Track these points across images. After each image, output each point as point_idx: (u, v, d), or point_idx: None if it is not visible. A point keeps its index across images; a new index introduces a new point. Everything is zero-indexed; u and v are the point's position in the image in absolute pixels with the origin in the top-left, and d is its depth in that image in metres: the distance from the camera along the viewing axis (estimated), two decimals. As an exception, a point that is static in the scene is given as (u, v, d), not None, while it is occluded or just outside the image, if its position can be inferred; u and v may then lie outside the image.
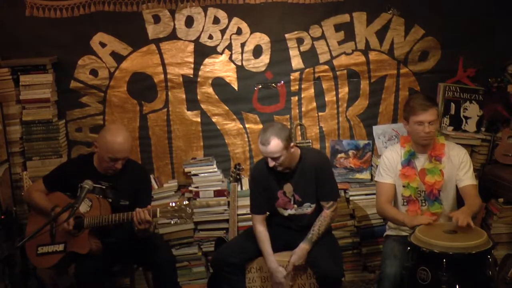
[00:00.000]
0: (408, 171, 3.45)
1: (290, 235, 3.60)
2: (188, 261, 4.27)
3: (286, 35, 4.29)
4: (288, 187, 3.51)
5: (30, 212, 3.69)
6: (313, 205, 3.53)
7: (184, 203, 3.33)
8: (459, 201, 3.48)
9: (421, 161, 3.47)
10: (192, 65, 4.33)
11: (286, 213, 3.57)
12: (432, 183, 3.40)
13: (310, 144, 4.39)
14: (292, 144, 3.40)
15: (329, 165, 3.68)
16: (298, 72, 4.36)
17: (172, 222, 3.39)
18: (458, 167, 3.43)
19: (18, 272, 3.93)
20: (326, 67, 4.35)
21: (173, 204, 3.32)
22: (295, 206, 3.53)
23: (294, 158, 3.46)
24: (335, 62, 4.34)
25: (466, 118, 4.27)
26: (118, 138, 3.42)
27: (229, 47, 4.31)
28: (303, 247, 3.42)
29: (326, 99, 4.41)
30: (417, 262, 3.05)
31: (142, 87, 4.35)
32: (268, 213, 3.65)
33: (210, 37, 4.29)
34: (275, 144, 3.30)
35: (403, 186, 3.47)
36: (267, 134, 3.32)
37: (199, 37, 4.29)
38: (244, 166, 4.39)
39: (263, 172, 3.51)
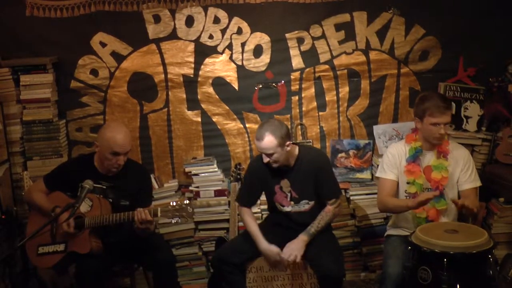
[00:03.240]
0: (414, 167, 3.45)
1: (289, 234, 3.59)
2: (189, 261, 4.27)
3: (287, 35, 4.29)
4: (285, 183, 3.51)
5: (31, 212, 3.69)
6: (311, 203, 3.52)
7: (185, 202, 3.33)
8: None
9: (426, 158, 3.48)
10: (193, 65, 4.33)
11: (284, 209, 3.57)
12: (438, 179, 3.41)
13: (311, 143, 4.38)
14: (288, 142, 3.40)
15: (329, 164, 3.69)
16: (299, 72, 4.36)
17: (173, 221, 3.39)
18: (462, 168, 3.43)
19: (18, 272, 3.93)
20: (327, 66, 4.35)
21: (174, 204, 3.33)
22: (292, 203, 3.54)
23: (291, 156, 3.46)
24: (336, 62, 4.34)
25: (467, 117, 4.27)
26: (117, 133, 3.44)
27: (230, 46, 4.31)
28: (301, 238, 3.40)
29: (326, 98, 4.41)
30: (417, 261, 3.04)
31: (143, 87, 4.35)
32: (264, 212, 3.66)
33: (211, 36, 4.29)
34: (268, 140, 3.32)
35: (407, 183, 3.48)
36: (263, 129, 3.35)
37: (199, 36, 4.29)
38: (245, 166, 4.36)
39: (262, 165, 3.51)
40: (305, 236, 3.42)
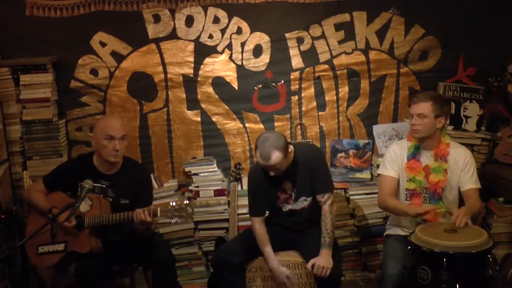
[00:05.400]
0: (414, 164, 3.47)
1: (288, 235, 3.60)
2: (188, 261, 4.27)
3: (286, 35, 4.29)
4: (287, 185, 3.51)
5: (30, 211, 3.68)
6: (309, 199, 3.52)
7: (185, 202, 3.33)
8: (461, 201, 3.48)
9: (425, 158, 3.48)
10: (192, 65, 4.33)
11: (287, 207, 3.57)
12: (435, 182, 3.41)
13: (310, 143, 4.38)
14: (290, 149, 3.39)
15: (322, 158, 3.68)
16: (298, 72, 4.36)
17: (172, 221, 3.39)
18: (462, 168, 3.44)
19: (18, 271, 3.93)
20: (326, 66, 4.35)
21: (174, 204, 3.32)
22: (293, 201, 3.54)
23: (290, 159, 3.45)
24: (335, 62, 4.34)
25: (466, 117, 4.28)
26: (110, 119, 3.64)
27: (229, 46, 4.31)
28: (324, 253, 3.34)
29: (326, 98, 4.41)
30: (417, 261, 3.05)
31: (142, 86, 4.35)
32: (267, 213, 3.66)
33: (210, 36, 4.29)
34: (276, 156, 3.27)
35: (407, 181, 3.48)
36: (266, 148, 3.26)
37: (199, 36, 4.29)
38: (244, 166, 4.39)
39: (261, 175, 3.50)
40: (325, 249, 3.35)
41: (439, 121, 3.42)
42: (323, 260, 3.31)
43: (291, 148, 3.41)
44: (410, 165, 3.47)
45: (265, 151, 3.27)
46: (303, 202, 3.53)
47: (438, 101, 3.43)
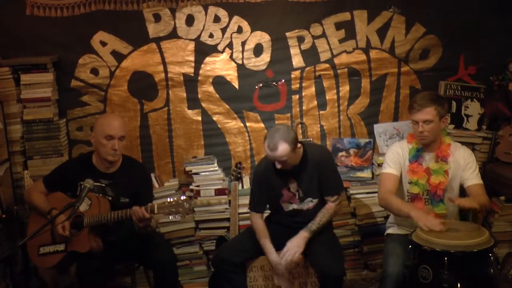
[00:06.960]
0: (417, 167, 3.44)
1: (289, 235, 3.59)
2: (189, 260, 4.26)
3: (287, 34, 4.29)
4: (292, 183, 3.51)
5: (31, 212, 3.68)
6: (315, 200, 3.52)
7: (182, 198, 3.32)
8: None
9: (426, 160, 3.47)
10: (193, 64, 4.33)
11: (291, 207, 3.57)
12: (436, 183, 3.39)
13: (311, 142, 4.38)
14: (299, 145, 3.40)
15: (332, 159, 3.68)
16: (299, 71, 4.35)
17: (170, 218, 3.37)
18: (463, 168, 3.41)
19: (19, 271, 3.94)
20: (327, 65, 4.35)
21: (171, 200, 3.32)
22: (298, 201, 3.54)
23: (298, 156, 3.46)
24: (336, 61, 4.34)
25: (467, 116, 4.27)
26: (110, 118, 3.63)
27: (230, 45, 4.30)
28: (302, 234, 3.39)
29: (327, 97, 4.41)
30: (418, 260, 3.04)
31: (143, 86, 4.35)
32: (268, 211, 3.65)
33: (211, 35, 4.29)
34: (283, 148, 3.28)
35: (409, 183, 3.46)
36: (275, 139, 3.29)
37: (199, 35, 4.29)
38: (245, 165, 4.39)
39: (268, 171, 3.51)
40: (306, 232, 3.40)
41: (443, 121, 3.40)
42: (295, 242, 3.36)
43: (300, 144, 3.41)
44: (412, 169, 3.45)
45: (273, 141, 3.29)
46: (309, 204, 3.53)
47: (440, 102, 3.38)
